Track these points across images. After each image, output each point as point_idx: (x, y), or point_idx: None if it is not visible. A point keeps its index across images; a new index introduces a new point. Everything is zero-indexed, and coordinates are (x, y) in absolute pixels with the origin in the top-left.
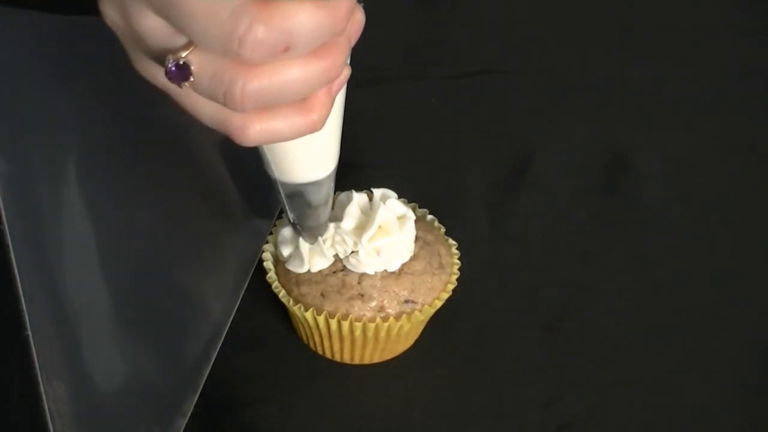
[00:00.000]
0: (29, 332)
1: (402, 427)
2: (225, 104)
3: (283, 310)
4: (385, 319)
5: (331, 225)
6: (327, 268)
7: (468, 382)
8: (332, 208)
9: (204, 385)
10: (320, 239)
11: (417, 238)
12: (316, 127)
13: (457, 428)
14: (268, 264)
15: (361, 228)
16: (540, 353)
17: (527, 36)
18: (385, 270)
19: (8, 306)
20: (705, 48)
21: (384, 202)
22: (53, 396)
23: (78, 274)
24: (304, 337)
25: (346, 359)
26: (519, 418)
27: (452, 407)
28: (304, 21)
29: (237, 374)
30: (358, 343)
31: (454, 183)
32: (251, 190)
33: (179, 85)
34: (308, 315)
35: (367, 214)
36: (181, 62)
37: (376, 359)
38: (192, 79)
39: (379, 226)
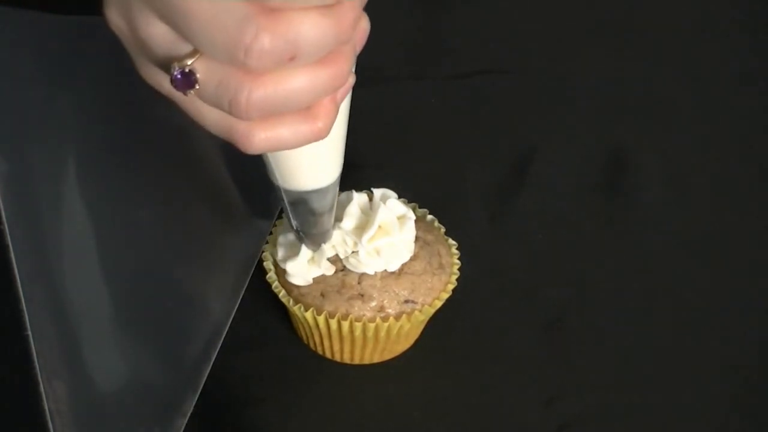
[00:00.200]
0: (29, 332)
1: (402, 427)
2: (230, 112)
3: (283, 310)
4: (385, 319)
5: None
6: None
7: (468, 382)
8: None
9: (204, 385)
10: (323, 246)
11: (417, 238)
12: (321, 135)
13: (457, 428)
14: (268, 264)
15: (361, 228)
16: (540, 353)
17: (527, 36)
18: (385, 270)
19: (8, 306)
20: (705, 48)
21: (384, 202)
22: (53, 396)
23: (78, 274)
24: (304, 337)
25: (346, 359)
26: (519, 418)
27: (452, 407)
28: (310, 30)
29: (237, 374)
30: (358, 343)
31: (454, 183)
32: (251, 191)
33: (184, 93)
34: (308, 315)
35: (367, 214)
36: (187, 70)
37: (376, 359)
38: (197, 87)
39: (379, 226)
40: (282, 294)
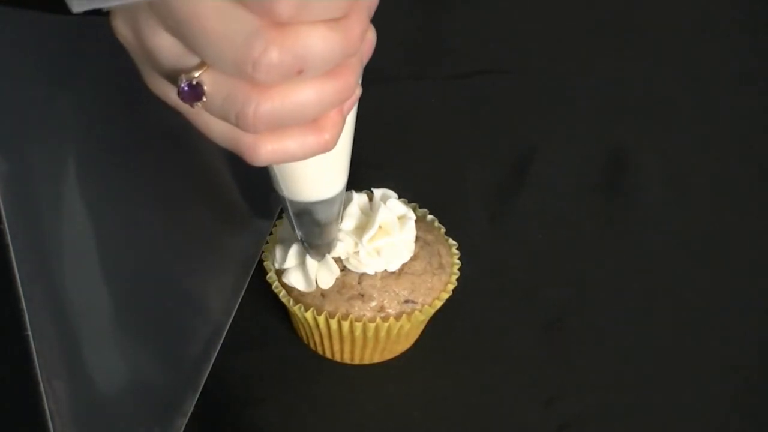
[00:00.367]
0: (29, 332)
1: (402, 427)
2: (237, 125)
3: (283, 310)
4: (385, 319)
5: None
6: None
7: (468, 382)
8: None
9: (204, 385)
10: (328, 257)
11: (417, 238)
12: (328, 147)
13: (457, 428)
14: (268, 264)
15: (361, 228)
16: (540, 353)
17: (527, 36)
18: (385, 270)
19: (8, 306)
20: (705, 48)
21: (384, 202)
22: (53, 396)
23: (78, 274)
24: (304, 337)
25: (346, 359)
26: (519, 418)
27: (452, 407)
28: (318, 44)
29: (237, 374)
30: (358, 343)
31: (454, 183)
32: (251, 190)
33: (191, 105)
34: (308, 315)
35: (368, 215)
36: (194, 82)
37: (376, 359)
38: (204, 100)
39: (380, 227)
40: (282, 294)
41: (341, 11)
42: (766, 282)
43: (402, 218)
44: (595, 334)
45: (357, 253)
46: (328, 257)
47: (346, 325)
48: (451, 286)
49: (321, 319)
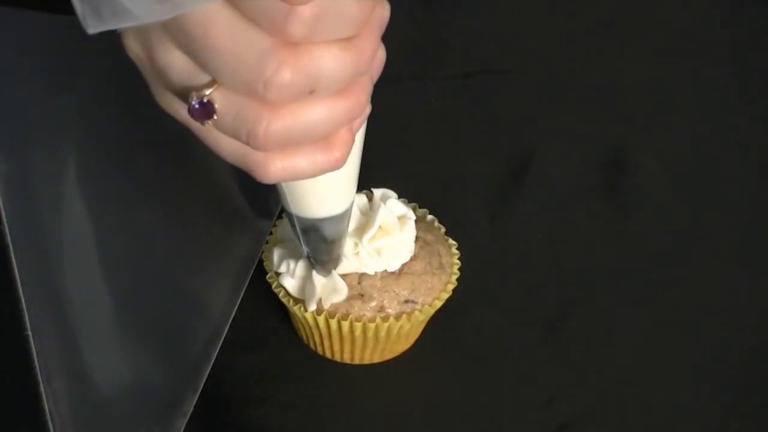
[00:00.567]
0: (29, 332)
1: (402, 427)
2: (247, 143)
3: (283, 310)
4: (385, 319)
5: None
6: None
7: (468, 382)
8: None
9: (204, 385)
10: (334, 272)
11: (417, 238)
12: (338, 165)
13: (457, 428)
14: (268, 264)
15: (361, 228)
16: (540, 353)
17: (527, 36)
18: (385, 270)
19: (8, 306)
20: (704, 48)
21: (384, 202)
22: (53, 396)
23: (78, 274)
24: (304, 337)
25: (346, 359)
26: (519, 418)
27: (452, 407)
28: (330, 64)
29: (237, 374)
30: (358, 343)
31: (454, 183)
32: (251, 191)
33: (202, 123)
34: (308, 315)
35: (367, 215)
36: (205, 100)
37: (376, 359)
38: (215, 118)
39: (380, 227)
40: (282, 294)
41: (353, 30)
42: (766, 282)
43: (402, 218)
44: (595, 334)
45: (357, 253)
46: (335, 274)
47: (346, 325)
48: (451, 286)
49: (321, 319)
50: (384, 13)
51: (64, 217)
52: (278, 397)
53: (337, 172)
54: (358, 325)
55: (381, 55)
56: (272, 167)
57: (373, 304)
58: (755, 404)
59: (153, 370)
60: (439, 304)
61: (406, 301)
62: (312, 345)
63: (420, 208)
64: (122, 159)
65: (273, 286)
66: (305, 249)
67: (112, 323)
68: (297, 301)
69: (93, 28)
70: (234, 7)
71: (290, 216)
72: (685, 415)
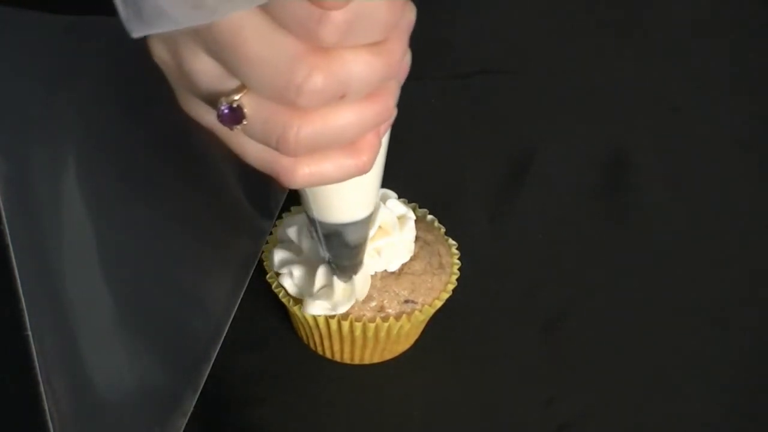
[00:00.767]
0: (29, 332)
1: (402, 427)
2: (277, 148)
3: (283, 310)
4: (385, 319)
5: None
6: None
7: (468, 382)
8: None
9: (204, 385)
10: (354, 278)
11: (417, 238)
12: (365, 169)
13: (457, 428)
14: (268, 264)
15: None
16: (540, 353)
17: (527, 36)
18: (385, 270)
19: (8, 306)
20: (705, 48)
21: (384, 202)
22: (53, 396)
23: (78, 274)
24: (304, 337)
25: (346, 359)
26: (519, 418)
27: (452, 407)
28: (361, 69)
29: (237, 374)
30: (358, 343)
31: (454, 183)
32: (252, 190)
33: (230, 128)
34: (308, 315)
35: None
36: (235, 105)
37: (376, 359)
38: (245, 123)
39: (380, 227)
40: (282, 294)
41: (384, 35)
42: (766, 282)
43: (402, 218)
44: (595, 334)
45: None
46: (354, 279)
47: (346, 325)
48: (451, 286)
49: (321, 319)
50: (411, 16)
51: (64, 217)
52: (278, 397)
53: (362, 176)
54: (358, 325)
55: (407, 59)
56: (300, 172)
57: (373, 304)
58: (755, 404)
59: (153, 370)
60: (439, 304)
61: (406, 301)
62: (312, 345)
63: (420, 208)
64: (122, 159)
65: (273, 286)
66: (327, 254)
67: (113, 323)
68: (297, 301)
69: (136, 32)
70: (265, 12)
71: (312, 222)
72: (685, 415)
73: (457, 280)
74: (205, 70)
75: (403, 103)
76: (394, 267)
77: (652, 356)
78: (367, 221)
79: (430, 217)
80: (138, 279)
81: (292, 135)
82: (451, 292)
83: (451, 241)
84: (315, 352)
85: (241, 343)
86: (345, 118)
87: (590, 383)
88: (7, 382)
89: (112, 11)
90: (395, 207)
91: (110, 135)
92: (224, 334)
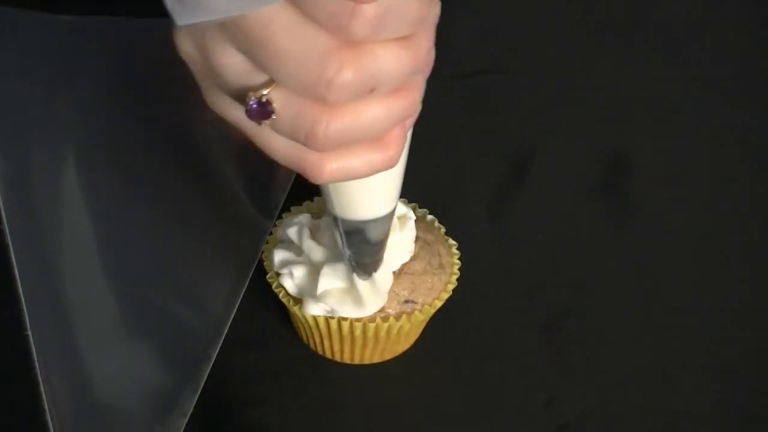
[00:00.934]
0: (29, 332)
1: (402, 427)
2: (305, 144)
3: (283, 310)
4: (385, 319)
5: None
6: None
7: (468, 382)
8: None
9: (204, 385)
10: (374, 275)
11: (417, 238)
12: (391, 164)
13: (457, 428)
14: (268, 264)
15: None
16: (540, 353)
17: (527, 36)
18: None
19: (8, 306)
20: (705, 48)
21: None
22: (53, 396)
23: (78, 274)
24: (304, 337)
25: (346, 359)
26: (519, 418)
27: (452, 407)
28: (390, 63)
29: (237, 374)
30: (358, 343)
31: (454, 183)
32: (252, 190)
33: (259, 123)
34: (308, 315)
35: None
36: (264, 100)
37: (376, 359)
38: (274, 118)
39: None
40: (282, 294)
41: (413, 29)
42: (767, 282)
43: (402, 218)
44: (595, 334)
45: None
46: (375, 277)
47: (346, 325)
48: (451, 286)
49: (321, 319)
50: (437, 10)
51: (64, 217)
52: (278, 397)
53: (386, 172)
54: (358, 325)
55: (433, 54)
56: (327, 167)
57: None
58: (756, 404)
59: (153, 370)
60: (439, 304)
61: (406, 301)
62: (312, 345)
63: (420, 208)
64: (122, 159)
65: (273, 286)
66: (347, 252)
67: (112, 323)
68: (297, 301)
69: (182, 20)
70: (295, 6)
71: (334, 220)
72: (685, 415)
73: (457, 280)
74: (233, 64)
75: None
76: (394, 267)
77: (652, 356)
78: (389, 218)
79: (430, 217)
80: (138, 279)
81: (321, 130)
82: (451, 292)
83: (451, 241)
84: (315, 352)
85: (241, 343)
86: (373, 112)
87: (590, 383)
88: (7, 382)
89: (113, 11)
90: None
91: (110, 135)
92: (224, 334)
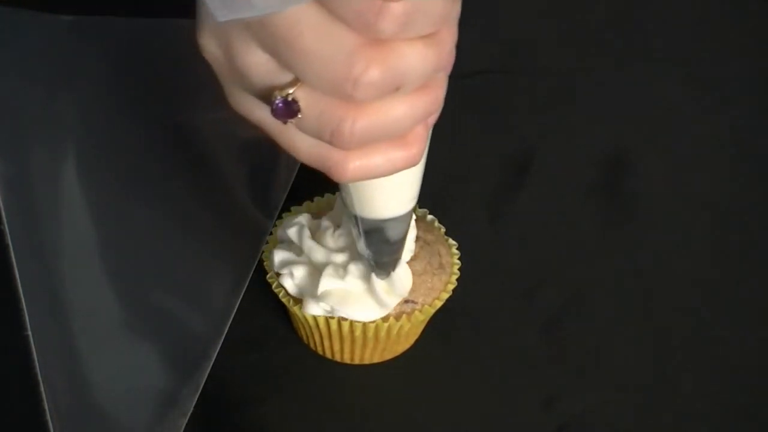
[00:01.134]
0: (29, 332)
1: (402, 427)
2: (331, 142)
3: (283, 310)
4: (385, 319)
5: (331, 228)
6: None
7: (468, 382)
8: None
9: (204, 385)
10: (393, 274)
11: (417, 238)
12: (414, 161)
13: (456, 428)
14: (268, 264)
15: None
16: (540, 353)
17: (527, 36)
18: None
19: (8, 306)
20: (705, 48)
21: None
22: (53, 396)
23: (78, 274)
24: (304, 337)
25: (346, 359)
26: (519, 418)
27: (452, 407)
28: (416, 61)
29: (237, 374)
30: (358, 343)
31: (454, 183)
32: (252, 190)
33: (284, 122)
34: (308, 315)
35: None
36: (290, 99)
37: (376, 359)
38: (299, 116)
39: None
40: (282, 294)
41: (438, 26)
42: (766, 282)
43: None
44: (595, 334)
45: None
46: (393, 275)
47: (346, 325)
48: (451, 286)
49: (321, 319)
50: (459, 8)
51: (63, 217)
52: (278, 397)
53: (406, 170)
54: (358, 325)
55: (454, 50)
56: (351, 166)
57: None
58: (756, 404)
59: (153, 370)
60: (439, 304)
61: (406, 301)
62: (312, 345)
63: (420, 208)
64: (122, 159)
65: (273, 286)
66: (366, 252)
67: (112, 323)
68: (297, 301)
69: (223, 16)
70: (321, 5)
71: (353, 219)
72: (685, 414)
73: (457, 280)
74: (258, 64)
75: None
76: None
77: (652, 356)
78: (408, 216)
79: (430, 217)
80: (138, 279)
81: (347, 128)
82: (451, 292)
83: (451, 241)
84: (315, 352)
85: (241, 343)
86: (398, 110)
87: (590, 383)
88: (7, 382)
89: (113, 11)
90: None
91: (110, 135)
92: (224, 334)
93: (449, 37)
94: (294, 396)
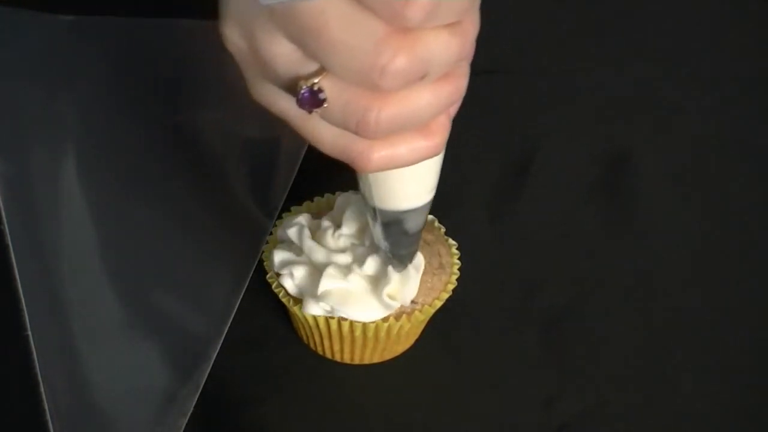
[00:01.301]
0: (29, 332)
1: (402, 427)
2: (356, 132)
3: (283, 310)
4: (385, 319)
5: (331, 228)
6: None
7: (468, 382)
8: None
9: (204, 385)
10: (410, 266)
11: None
12: (437, 151)
13: (457, 428)
14: (268, 264)
15: (362, 229)
16: (540, 353)
17: (528, 36)
18: None
19: (8, 306)
20: (705, 48)
21: None
22: (53, 396)
23: (78, 274)
24: (304, 337)
25: (346, 359)
26: (519, 418)
27: (452, 407)
28: (441, 50)
29: (237, 374)
30: (358, 343)
31: (454, 183)
32: (252, 190)
33: (309, 112)
34: (308, 315)
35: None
36: (315, 88)
37: (376, 359)
38: (325, 106)
39: None
40: (282, 294)
41: (462, 15)
42: (766, 282)
43: None
44: (595, 334)
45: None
46: (410, 267)
47: (346, 325)
48: (451, 286)
49: (321, 319)
50: None
51: (63, 217)
52: (278, 397)
53: (426, 161)
54: (358, 325)
55: (475, 40)
56: (375, 156)
57: None
58: (755, 404)
59: (153, 370)
60: (439, 304)
61: None
62: (312, 345)
63: None
64: (122, 159)
65: (273, 286)
66: (384, 244)
67: (112, 323)
68: (297, 301)
69: (264, 0)
70: None
71: (371, 211)
72: (685, 414)
73: (457, 280)
74: (283, 54)
75: None
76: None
77: (652, 356)
78: (426, 208)
79: (430, 217)
80: (138, 279)
81: (372, 117)
82: (451, 292)
83: (451, 241)
84: (315, 352)
85: (241, 343)
86: (423, 99)
87: (590, 383)
88: (7, 382)
89: (113, 11)
90: None
91: (110, 135)
92: (224, 334)
93: (471, 26)
94: (294, 396)
